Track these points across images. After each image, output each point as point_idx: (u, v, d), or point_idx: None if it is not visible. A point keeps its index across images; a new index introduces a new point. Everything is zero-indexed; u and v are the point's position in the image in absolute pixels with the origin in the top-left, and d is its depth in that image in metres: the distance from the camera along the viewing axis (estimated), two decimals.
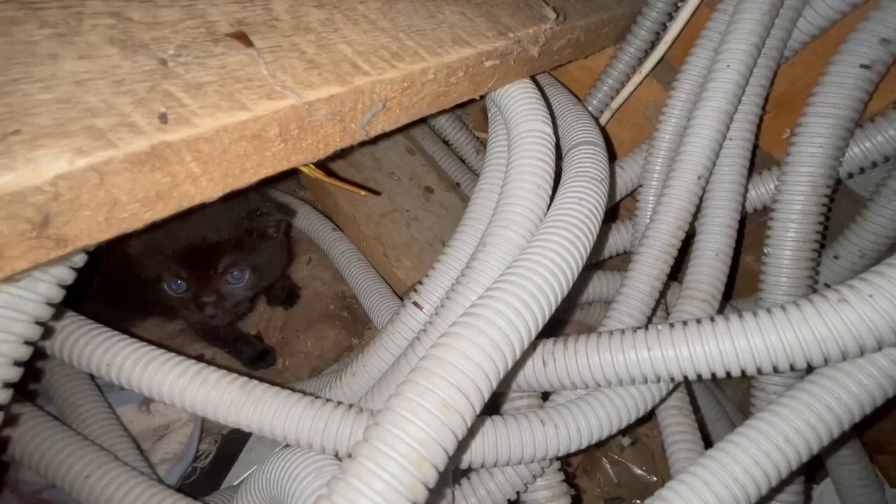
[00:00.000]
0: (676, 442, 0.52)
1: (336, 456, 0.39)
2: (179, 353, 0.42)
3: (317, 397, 0.40)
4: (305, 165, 0.42)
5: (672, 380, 0.41)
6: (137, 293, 0.59)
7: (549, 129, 0.50)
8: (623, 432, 0.57)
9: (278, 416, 0.38)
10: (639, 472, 0.79)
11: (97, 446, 0.46)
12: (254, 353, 0.80)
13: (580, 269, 0.39)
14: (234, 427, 0.40)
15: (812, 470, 0.74)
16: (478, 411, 0.29)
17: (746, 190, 0.56)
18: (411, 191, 0.92)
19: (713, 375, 0.39)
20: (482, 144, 1.00)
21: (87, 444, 0.46)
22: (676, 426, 0.53)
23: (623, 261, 0.79)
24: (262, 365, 0.81)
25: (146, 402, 0.68)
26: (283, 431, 0.38)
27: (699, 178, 0.51)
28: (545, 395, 0.51)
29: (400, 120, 0.42)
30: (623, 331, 0.43)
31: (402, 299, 0.75)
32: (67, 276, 0.35)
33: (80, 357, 0.41)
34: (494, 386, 0.30)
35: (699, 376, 0.40)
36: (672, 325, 0.41)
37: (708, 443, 0.55)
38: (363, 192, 0.45)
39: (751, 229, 0.68)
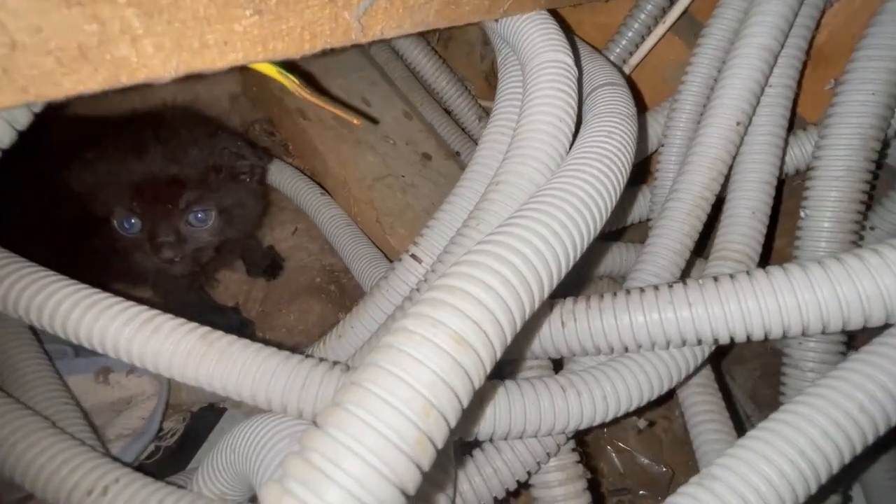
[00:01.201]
0: (702, 423, 0.46)
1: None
2: (130, 298, 0.35)
3: (293, 353, 0.34)
4: (287, 76, 0.35)
5: (716, 342, 0.35)
6: (87, 245, 0.51)
7: (572, 62, 0.44)
8: (639, 412, 0.51)
9: (246, 372, 0.31)
10: (645, 461, 0.74)
11: (29, 411, 0.39)
12: (230, 326, 0.73)
13: (612, 207, 0.33)
14: (194, 385, 0.33)
15: None
16: (498, 355, 0.23)
17: (786, 145, 0.50)
18: (408, 156, 0.85)
19: (765, 336, 0.33)
20: (486, 113, 0.94)
21: (17, 409, 0.38)
22: (702, 405, 0.47)
23: (639, 234, 0.74)
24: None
25: (104, 371, 0.61)
26: (252, 391, 0.31)
27: (738, 124, 0.46)
28: (557, 366, 0.45)
29: (403, 24, 0.35)
30: (656, 287, 0.37)
31: None
32: None
33: (5, 297, 0.34)
34: (518, 326, 0.24)
35: (749, 337, 0.34)
36: (716, 279, 0.35)
37: None
38: (356, 121, 0.38)
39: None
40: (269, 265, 0.81)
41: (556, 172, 0.34)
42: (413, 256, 0.44)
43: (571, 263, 0.28)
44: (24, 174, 0.53)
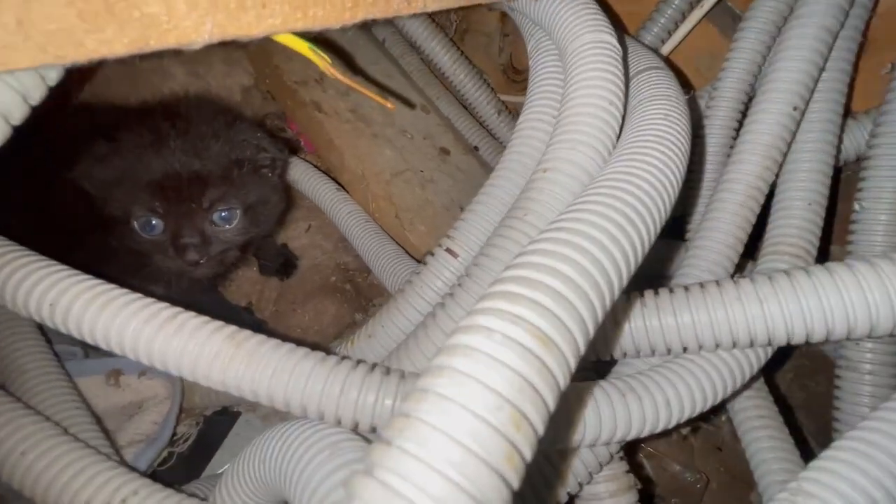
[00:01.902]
0: (756, 429, 0.43)
1: (356, 430, 0.29)
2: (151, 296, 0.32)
3: (329, 353, 0.31)
4: (319, 54, 0.32)
5: (789, 342, 0.32)
6: (101, 244, 0.48)
7: (617, 42, 0.41)
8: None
9: (279, 376, 0.29)
10: (677, 467, 0.70)
11: (40, 417, 0.36)
12: (243, 326, 0.70)
13: (678, 195, 0.30)
14: (220, 389, 0.30)
15: None
16: (582, 352, 0.20)
17: (842, 132, 0.47)
18: (426, 151, 0.82)
19: (847, 336, 0.30)
20: (505, 106, 0.91)
21: (25, 415, 0.35)
22: (754, 410, 0.44)
23: None
24: None
25: (115, 373, 0.58)
26: (285, 396, 0.29)
27: (794, 109, 0.43)
28: (599, 370, 0.42)
29: None
30: (718, 282, 0.34)
31: (420, 262, 0.65)
32: None
33: (13, 294, 0.31)
34: (599, 323, 0.21)
35: (827, 337, 0.31)
36: (789, 273, 0.32)
37: None
38: (390, 105, 0.35)
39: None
40: (283, 264, 0.78)
41: (615, 157, 0.31)
42: (448, 251, 0.41)
43: (644, 255, 0.25)
44: (26, 165, 0.50)
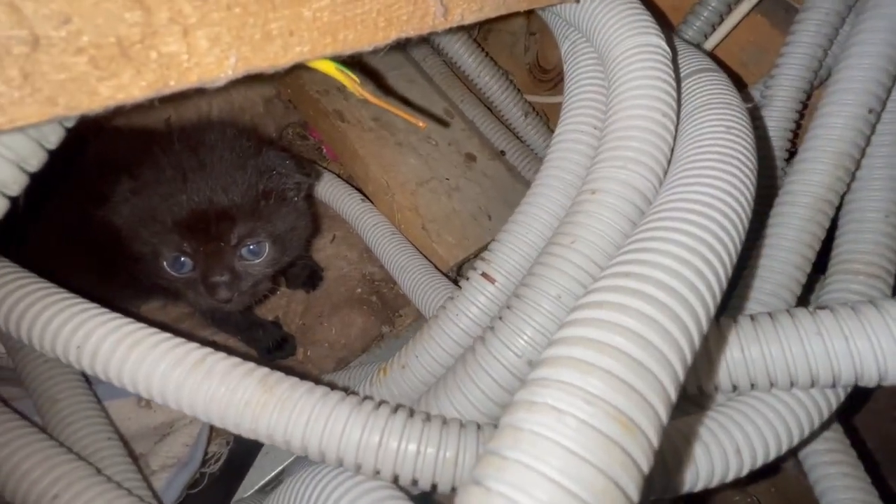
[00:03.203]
0: (830, 476, 0.39)
1: (396, 483, 0.27)
2: (179, 334, 0.31)
3: (365, 398, 0.29)
4: (347, 74, 0.30)
5: (873, 382, 0.28)
6: (131, 271, 0.48)
7: (665, 44, 0.37)
8: None
9: (314, 425, 0.27)
10: None
11: (72, 456, 0.35)
12: (271, 340, 0.70)
13: (750, 217, 0.27)
14: (252, 438, 0.28)
15: None
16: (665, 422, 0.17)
17: None
18: (451, 157, 0.79)
19: None
20: (532, 108, 0.88)
21: (57, 454, 0.35)
22: (827, 455, 0.40)
23: None
24: (281, 355, 0.70)
25: None
26: (321, 447, 0.27)
27: (870, 111, 0.38)
28: None
29: (484, 6, 0.29)
30: (790, 312, 0.31)
31: (449, 278, 0.63)
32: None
33: (41, 336, 0.30)
34: (681, 381, 0.18)
35: None
36: (875, 304, 0.28)
37: None
38: (422, 124, 0.33)
39: None
40: (309, 276, 0.77)
41: (676, 179, 0.28)
42: (484, 275, 0.38)
43: (726, 284, 0.23)
44: (58, 194, 0.49)
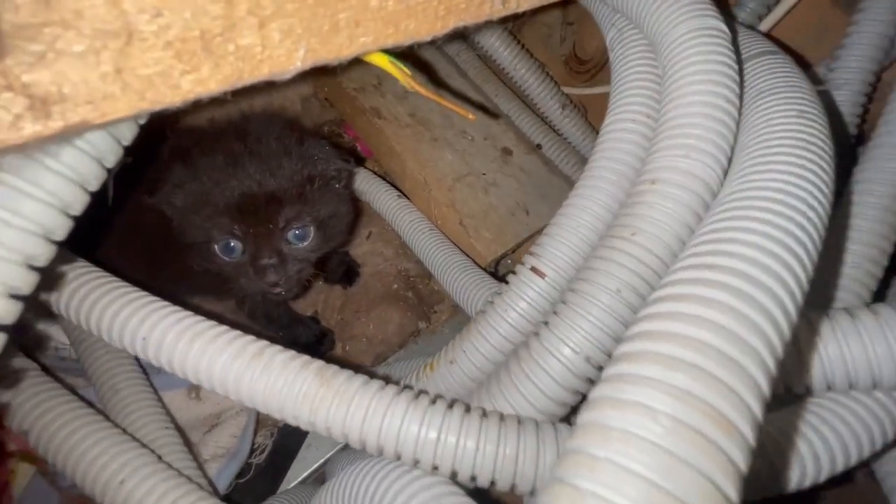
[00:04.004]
0: None
1: (454, 479, 0.26)
2: (235, 326, 0.32)
3: (421, 392, 0.28)
4: (399, 67, 0.30)
5: None
6: (182, 265, 0.49)
7: (724, 26, 0.35)
8: None
9: (372, 419, 0.27)
10: None
11: (136, 443, 0.37)
12: (311, 336, 0.71)
13: (830, 209, 0.25)
14: (308, 430, 0.28)
15: None
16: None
17: None
18: (487, 152, 0.79)
19: None
20: (569, 100, 0.86)
21: (123, 441, 0.36)
22: None
23: None
24: (320, 350, 0.72)
25: (195, 387, 0.59)
26: (379, 441, 0.27)
27: None
28: None
29: None
30: (872, 309, 0.28)
31: (491, 274, 0.62)
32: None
33: (109, 328, 0.31)
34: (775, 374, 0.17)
35: None
36: None
37: None
38: (471, 115, 0.33)
39: None
40: (346, 272, 0.78)
41: (747, 164, 0.26)
42: (533, 269, 0.38)
43: (812, 275, 0.21)
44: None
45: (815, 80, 0.50)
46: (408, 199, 0.74)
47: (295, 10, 0.17)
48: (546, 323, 0.32)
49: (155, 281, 0.59)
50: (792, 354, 0.29)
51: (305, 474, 0.60)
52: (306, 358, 0.30)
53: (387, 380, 0.29)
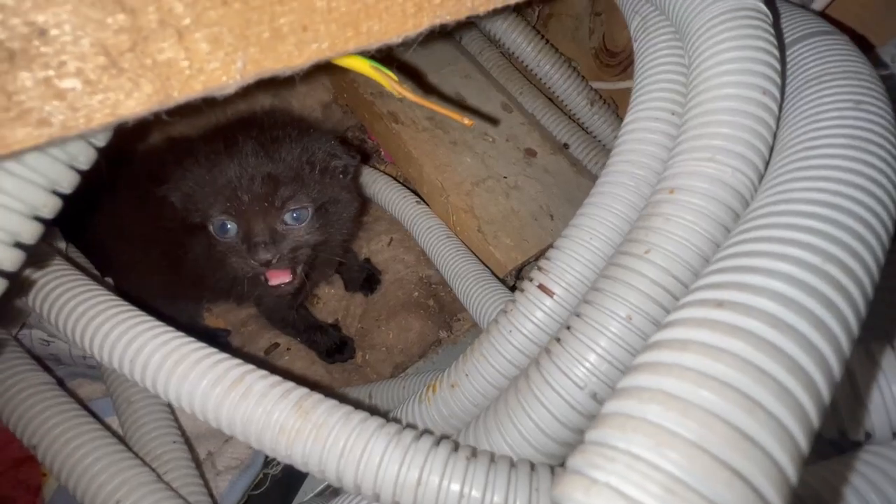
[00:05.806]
0: None
1: None
2: (237, 353, 0.30)
3: (406, 426, 0.26)
4: (382, 72, 0.27)
5: None
6: (191, 261, 0.51)
7: (763, 5, 0.30)
8: None
9: (349, 455, 0.24)
10: None
11: (136, 461, 0.37)
12: (330, 343, 0.71)
13: (892, 228, 0.20)
14: (286, 462, 0.27)
15: None
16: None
17: None
18: (509, 154, 0.75)
19: None
20: (598, 96, 0.81)
21: (123, 459, 0.36)
22: None
23: None
24: (340, 358, 0.71)
25: None
26: (356, 479, 0.24)
27: None
28: None
29: None
30: None
31: (505, 283, 0.59)
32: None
33: (100, 347, 0.31)
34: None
35: None
36: None
37: None
38: (467, 121, 0.30)
39: None
40: (367, 279, 0.77)
41: (788, 168, 0.22)
42: (541, 287, 0.34)
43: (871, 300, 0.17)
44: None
45: (877, 63, 0.43)
46: (427, 205, 0.72)
47: (220, 18, 0.15)
48: (548, 351, 0.29)
49: (171, 286, 0.61)
50: (845, 390, 0.24)
51: (321, 487, 0.60)
52: (289, 385, 0.28)
53: (373, 411, 0.27)
